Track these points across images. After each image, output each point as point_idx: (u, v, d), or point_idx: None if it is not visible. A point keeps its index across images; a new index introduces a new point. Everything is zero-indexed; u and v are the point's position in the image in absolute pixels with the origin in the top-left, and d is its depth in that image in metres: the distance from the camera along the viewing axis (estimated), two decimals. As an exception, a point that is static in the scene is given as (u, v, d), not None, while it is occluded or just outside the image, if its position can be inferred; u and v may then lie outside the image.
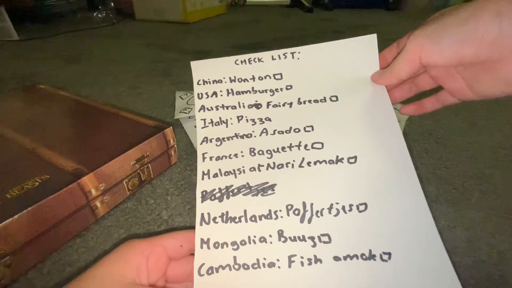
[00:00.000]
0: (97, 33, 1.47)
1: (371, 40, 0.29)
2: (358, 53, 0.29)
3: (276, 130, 0.27)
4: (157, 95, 0.78)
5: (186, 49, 1.18)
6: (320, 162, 0.25)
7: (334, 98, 0.28)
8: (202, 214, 0.23)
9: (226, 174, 0.25)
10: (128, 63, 1.03)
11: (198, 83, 0.30)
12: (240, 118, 0.28)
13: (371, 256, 0.21)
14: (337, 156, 0.25)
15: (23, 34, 1.35)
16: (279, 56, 0.30)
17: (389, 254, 0.21)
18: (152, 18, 1.70)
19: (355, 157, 0.25)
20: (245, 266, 0.21)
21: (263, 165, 0.25)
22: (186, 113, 0.64)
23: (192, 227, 0.23)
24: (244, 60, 0.30)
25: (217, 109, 0.28)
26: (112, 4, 1.88)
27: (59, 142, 0.44)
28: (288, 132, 0.27)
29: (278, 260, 0.21)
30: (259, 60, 0.30)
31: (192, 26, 1.57)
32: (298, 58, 0.30)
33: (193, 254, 0.22)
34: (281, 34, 1.35)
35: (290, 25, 1.55)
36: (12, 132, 0.46)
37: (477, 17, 0.20)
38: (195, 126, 0.28)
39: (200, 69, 0.30)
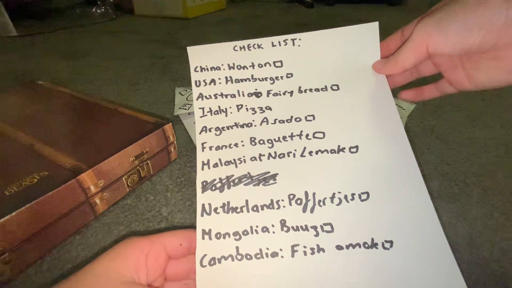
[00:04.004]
0: (96, 29, 1.45)
1: (373, 27, 0.28)
2: (359, 41, 0.29)
3: (277, 119, 0.27)
4: (156, 91, 0.77)
5: (186, 44, 1.16)
6: (322, 152, 0.25)
7: (335, 87, 0.28)
8: (203, 205, 0.23)
9: (227, 163, 0.25)
10: (127, 59, 1.02)
11: (195, 70, 0.29)
12: (240, 107, 0.27)
13: (373, 245, 0.21)
14: (339, 146, 0.25)
15: (22, 30, 1.34)
16: (279, 42, 0.30)
17: (391, 242, 0.21)
18: (152, 13, 1.69)
19: (357, 147, 0.25)
20: (248, 256, 0.21)
21: (264, 155, 0.25)
22: (186, 109, 0.63)
23: (192, 225, 0.23)
24: (243, 46, 0.30)
25: (216, 98, 0.28)
26: (111, -1, 1.87)
27: (57, 139, 0.43)
28: (289, 121, 0.27)
29: (281, 249, 0.21)
30: (259, 46, 0.30)
31: (191, 22, 1.56)
32: (299, 45, 0.29)
33: (192, 253, 0.22)
34: (281, 30, 1.34)
35: (290, 21, 1.53)
36: (10, 128, 0.46)
37: (484, 5, 0.20)
38: (195, 123, 0.28)
39: (197, 55, 0.29)
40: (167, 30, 1.40)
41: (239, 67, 0.29)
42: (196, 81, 0.29)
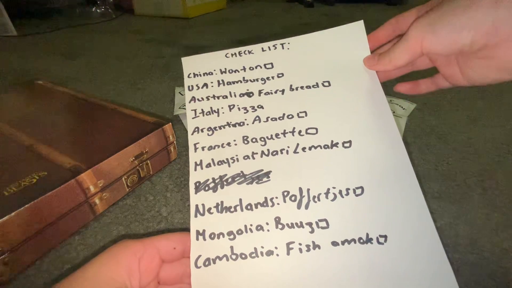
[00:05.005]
0: (96, 29, 1.45)
1: (358, 26, 0.29)
2: (347, 39, 0.29)
3: (269, 117, 0.27)
4: (156, 91, 0.77)
5: (186, 44, 1.17)
6: (315, 147, 0.25)
7: (326, 84, 0.28)
8: (197, 206, 0.23)
9: (219, 163, 0.25)
10: (127, 59, 1.02)
11: (188, 76, 0.30)
12: (231, 107, 0.28)
13: (368, 240, 0.21)
14: (332, 141, 0.25)
15: (22, 30, 1.34)
16: (269, 47, 0.30)
17: (385, 236, 0.21)
18: (152, 13, 1.68)
19: (350, 142, 0.25)
20: (243, 256, 0.21)
21: (257, 153, 0.25)
22: (186, 109, 0.63)
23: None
24: (235, 53, 0.30)
25: (208, 99, 0.28)
26: (111, -1, 1.87)
27: (57, 139, 0.43)
28: (281, 118, 0.27)
29: (276, 248, 0.21)
30: (249, 52, 0.30)
31: (191, 21, 1.55)
32: (288, 48, 0.30)
33: (186, 257, 0.21)
34: (281, 29, 1.34)
35: (290, 20, 1.53)
36: (9, 128, 0.45)
37: (473, 7, 0.20)
38: (188, 124, 0.28)
39: (191, 63, 0.30)
40: (167, 30, 1.40)
41: (230, 71, 0.30)
42: (189, 86, 0.29)
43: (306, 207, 0.22)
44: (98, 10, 1.74)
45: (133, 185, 0.45)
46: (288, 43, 0.30)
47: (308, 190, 0.23)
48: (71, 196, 0.36)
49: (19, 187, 0.34)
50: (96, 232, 0.39)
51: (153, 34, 1.33)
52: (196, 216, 0.22)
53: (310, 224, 0.22)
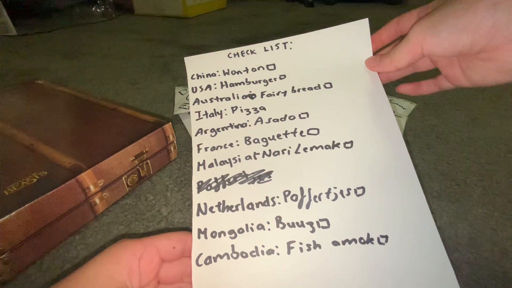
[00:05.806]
0: (96, 28, 1.45)
1: (363, 25, 0.29)
2: (350, 38, 0.29)
3: (271, 118, 0.27)
4: (156, 91, 0.77)
5: (186, 44, 1.17)
6: (317, 148, 0.25)
7: (328, 85, 0.28)
8: (199, 205, 0.23)
9: (222, 163, 0.25)
10: (127, 58, 1.02)
11: (192, 78, 0.30)
12: (234, 108, 0.28)
13: (369, 240, 0.21)
14: (333, 141, 0.25)
15: (21, 29, 1.34)
16: (271, 47, 0.30)
17: (386, 237, 0.21)
18: (152, 12, 1.68)
19: (351, 142, 0.25)
20: (244, 254, 0.21)
21: (259, 153, 0.25)
22: (186, 108, 0.63)
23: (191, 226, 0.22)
24: (237, 53, 0.30)
25: (211, 101, 0.28)
26: (111, -2, 1.86)
27: (57, 138, 0.43)
28: (283, 119, 0.27)
29: (277, 247, 0.21)
30: (252, 52, 0.30)
31: (191, 21, 1.55)
32: (291, 48, 0.30)
33: (186, 256, 0.22)
34: (281, 29, 1.34)
35: (290, 20, 1.53)
36: (9, 128, 0.45)
37: (473, 8, 0.20)
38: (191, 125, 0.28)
39: (194, 64, 0.30)
40: (167, 29, 1.40)
41: (233, 72, 0.30)
42: (192, 88, 0.29)
43: (307, 206, 0.22)
44: (98, 10, 1.74)
45: (133, 185, 0.45)
46: (291, 42, 0.30)
47: (309, 190, 0.23)
48: (71, 195, 0.36)
49: (19, 187, 0.34)
50: (96, 232, 0.39)
51: (153, 34, 1.33)
52: (198, 215, 0.23)
53: (311, 223, 0.22)
